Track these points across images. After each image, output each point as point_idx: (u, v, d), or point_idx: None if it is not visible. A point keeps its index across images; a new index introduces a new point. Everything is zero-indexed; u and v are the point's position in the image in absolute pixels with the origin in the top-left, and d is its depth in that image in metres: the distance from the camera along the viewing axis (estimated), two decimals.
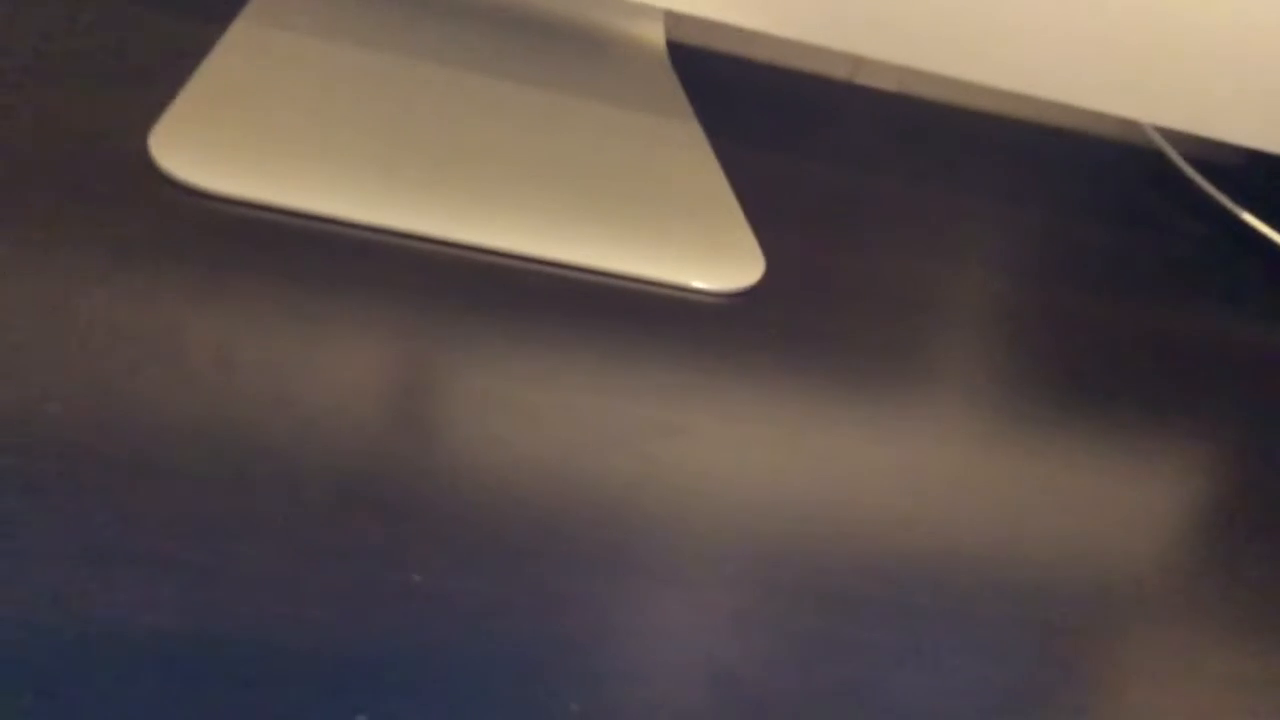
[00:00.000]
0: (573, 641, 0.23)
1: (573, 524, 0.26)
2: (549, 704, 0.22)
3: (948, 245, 0.46)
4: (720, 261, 0.38)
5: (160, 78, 0.37)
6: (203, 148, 0.34)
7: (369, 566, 0.23)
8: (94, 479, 0.23)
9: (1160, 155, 0.60)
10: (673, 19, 0.59)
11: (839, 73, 0.64)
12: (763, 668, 0.24)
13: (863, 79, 0.65)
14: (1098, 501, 0.33)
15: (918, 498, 0.31)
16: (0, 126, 0.33)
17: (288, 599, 0.22)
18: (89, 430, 0.24)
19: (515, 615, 0.23)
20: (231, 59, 0.39)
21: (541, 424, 0.29)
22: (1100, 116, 0.68)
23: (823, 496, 0.30)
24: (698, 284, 0.37)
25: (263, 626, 0.21)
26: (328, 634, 0.21)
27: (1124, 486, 0.35)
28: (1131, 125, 0.67)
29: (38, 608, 0.20)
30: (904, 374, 0.36)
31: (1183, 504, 0.35)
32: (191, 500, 0.23)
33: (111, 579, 0.21)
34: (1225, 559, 0.33)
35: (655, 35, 0.53)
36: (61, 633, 0.20)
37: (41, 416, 0.24)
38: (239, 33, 0.41)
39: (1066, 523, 0.32)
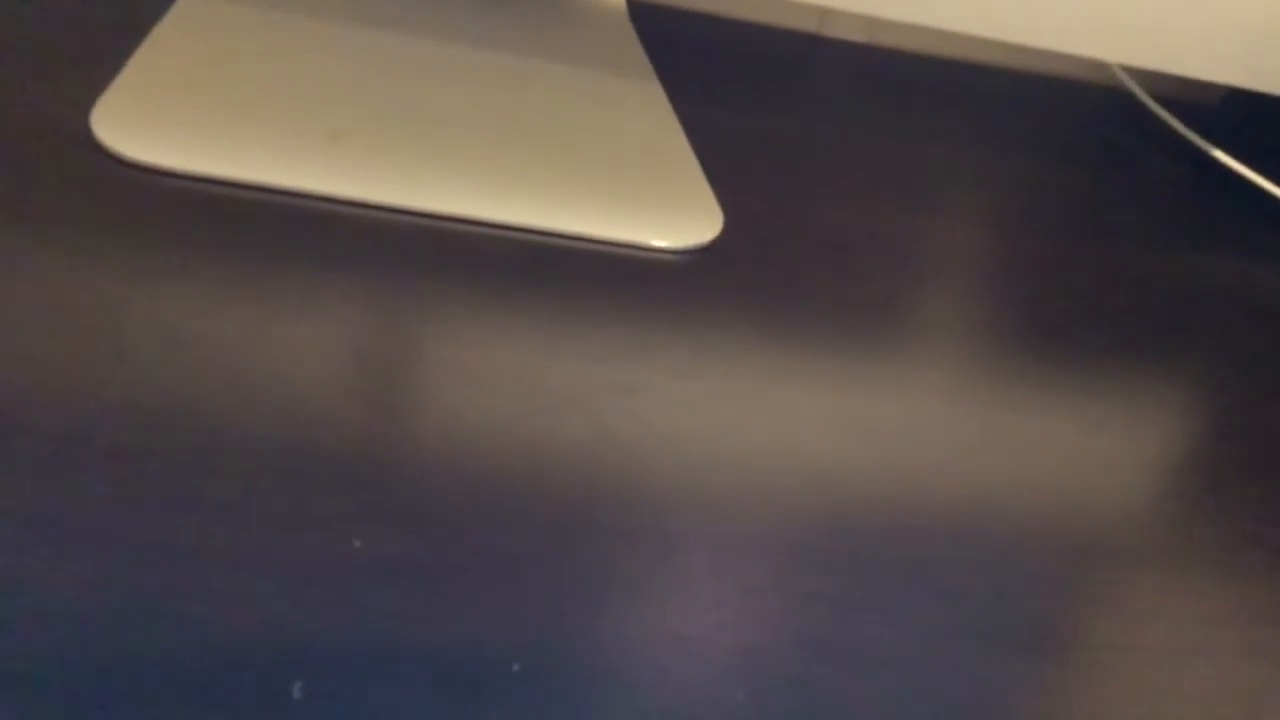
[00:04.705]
0: (521, 603, 0.23)
1: (527, 485, 0.26)
2: (493, 666, 0.22)
3: (914, 195, 0.46)
4: (678, 219, 0.37)
5: (104, 54, 0.37)
6: (146, 123, 0.33)
7: (312, 534, 0.23)
8: (34, 456, 0.23)
9: (1130, 96, 0.59)
10: None
11: (806, 26, 0.64)
12: (719, 624, 0.24)
13: (830, 31, 0.64)
14: (1068, 447, 0.33)
15: (878, 450, 0.31)
16: None
17: (227, 568, 0.22)
18: (29, 408, 0.24)
19: (462, 578, 0.23)
20: (176, 32, 0.38)
21: (496, 387, 0.29)
22: (1068, 59, 0.67)
23: (780, 451, 0.30)
24: (655, 242, 0.36)
25: (202, 597, 0.21)
26: (266, 603, 0.21)
27: (1095, 431, 0.35)
28: (1100, 67, 0.67)
29: None
30: (864, 328, 0.36)
31: (1155, 446, 0.35)
32: (132, 475, 0.23)
33: (52, 554, 0.21)
34: (1196, 501, 0.33)
35: None
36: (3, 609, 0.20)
37: None
38: (184, 6, 0.40)
39: (1034, 469, 0.32)
